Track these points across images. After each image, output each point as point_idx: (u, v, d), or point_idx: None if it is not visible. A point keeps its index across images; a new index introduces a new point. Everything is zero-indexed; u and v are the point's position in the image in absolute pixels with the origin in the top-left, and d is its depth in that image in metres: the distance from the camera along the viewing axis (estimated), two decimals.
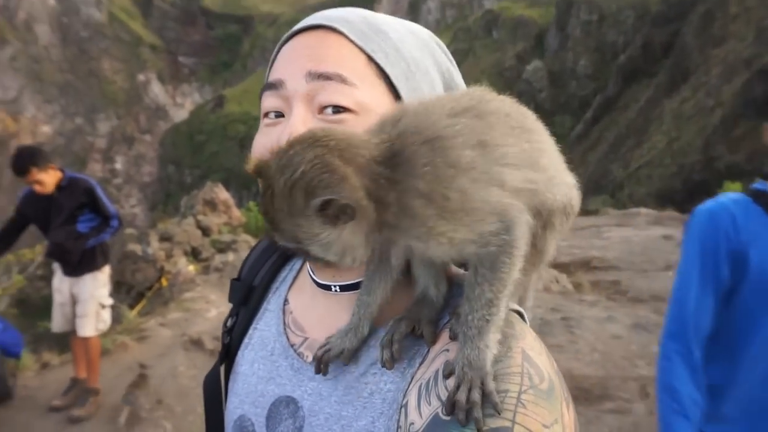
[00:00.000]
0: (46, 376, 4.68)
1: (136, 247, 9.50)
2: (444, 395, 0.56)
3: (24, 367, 4.65)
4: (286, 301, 0.81)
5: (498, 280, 0.57)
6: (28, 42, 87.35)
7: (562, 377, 0.60)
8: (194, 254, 9.95)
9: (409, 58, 0.69)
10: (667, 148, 31.30)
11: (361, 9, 0.74)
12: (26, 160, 3.76)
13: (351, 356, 0.67)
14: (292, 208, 0.53)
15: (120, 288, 8.01)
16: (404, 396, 0.62)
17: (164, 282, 8.38)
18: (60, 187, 3.90)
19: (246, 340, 0.83)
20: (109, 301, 4.25)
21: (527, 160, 0.60)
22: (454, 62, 0.77)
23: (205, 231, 11.33)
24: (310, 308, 0.77)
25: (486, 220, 0.56)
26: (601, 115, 44.46)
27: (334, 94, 0.64)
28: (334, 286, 0.73)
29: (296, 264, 0.85)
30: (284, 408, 0.71)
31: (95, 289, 4.04)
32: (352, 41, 0.67)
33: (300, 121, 0.64)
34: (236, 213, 13.13)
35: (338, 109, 0.64)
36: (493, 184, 0.56)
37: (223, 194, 13.07)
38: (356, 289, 0.71)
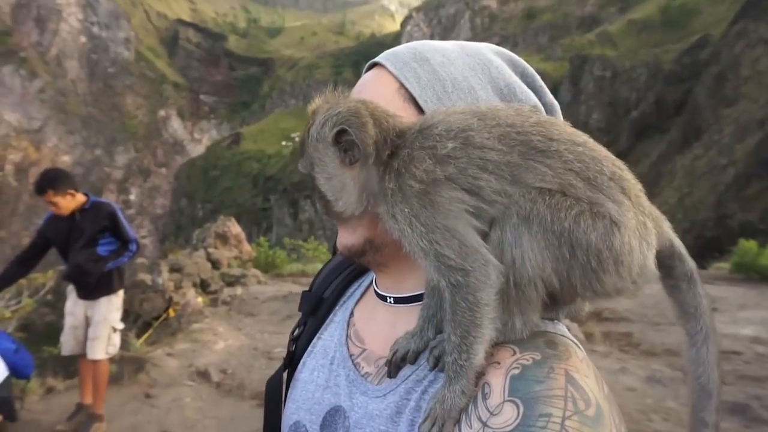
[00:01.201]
0: (50, 401, 4.64)
1: (145, 277, 9.53)
2: (486, 416, 0.55)
3: (29, 391, 4.61)
4: (351, 314, 0.84)
5: (459, 326, 0.57)
6: (57, 76, 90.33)
7: (615, 403, 0.57)
8: (203, 286, 9.95)
9: (447, 79, 0.72)
10: (679, 204, 31.22)
11: (429, 41, 0.79)
12: (46, 181, 3.87)
13: (416, 358, 0.68)
14: (319, 134, 0.65)
15: (127, 317, 8.01)
16: None
17: (172, 312, 8.37)
18: (83, 210, 3.98)
19: (310, 348, 0.86)
20: (121, 326, 4.26)
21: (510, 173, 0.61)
22: (534, 78, 0.79)
23: (215, 264, 11.36)
24: (371, 320, 0.80)
25: (444, 246, 0.57)
26: None
27: None
28: (389, 297, 0.76)
29: (365, 280, 0.88)
30: (338, 417, 0.73)
31: (109, 313, 4.06)
32: (390, 72, 0.74)
33: None
34: (247, 247, 13.18)
35: None
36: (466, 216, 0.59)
37: (235, 228, 13.17)
38: (411, 302, 0.73)
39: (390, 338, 0.73)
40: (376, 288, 0.79)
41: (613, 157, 0.65)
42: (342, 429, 0.71)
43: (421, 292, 0.72)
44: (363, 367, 0.75)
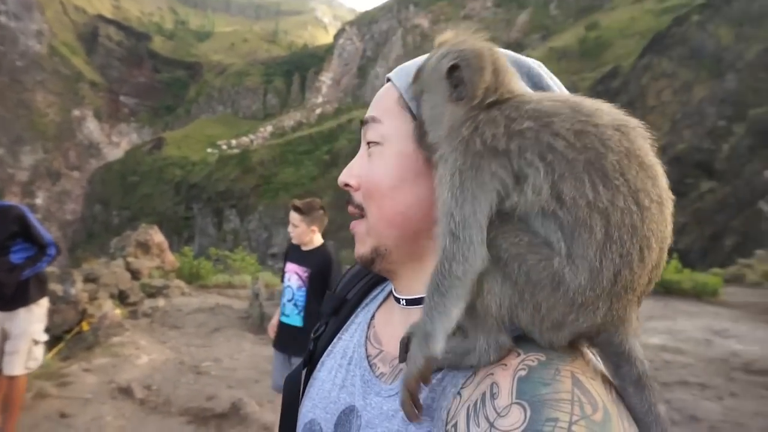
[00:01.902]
0: None
1: (56, 287, 8.84)
2: (493, 416, 0.54)
3: None
4: (372, 316, 0.85)
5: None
6: None
7: (623, 407, 0.57)
8: (121, 298, 9.38)
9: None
10: None
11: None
12: None
13: None
14: (437, 64, 0.66)
15: None
16: (449, 415, 0.62)
17: (86, 326, 7.81)
18: None
19: (329, 348, 0.87)
20: (44, 338, 3.87)
21: None
22: (541, 78, 0.78)
23: (135, 274, 10.77)
24: (388, 323, 0.81)
25: (458, 209, 0.58)
26: None
27: (368, 133, 0.76)
28: (402, 299, 0.77)
29: (388, 285, 0.88)
30: (352, 417, 0.73)
31: (29, 324, 3.67)
32: (394, 84, 0.76)
33: (359, 156, 0.78)
34: (170, 257, 12.60)
35: (371, 143, 0.75)
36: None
37: (158, 237, 12.56)
38: (418, 304, 0.74)
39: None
40: (393, 292, 0.82)
41: (663, 243, 0.60)
42: (355, 428, 0.72)
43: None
44: (378, 368, 0.76)
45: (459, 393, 0.62)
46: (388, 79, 0.80)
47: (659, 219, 0.57)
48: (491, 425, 0.54)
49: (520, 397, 0.54)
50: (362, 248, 0.76)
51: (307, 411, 0.82)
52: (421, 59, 0.77)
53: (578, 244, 0.56)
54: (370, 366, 0.77)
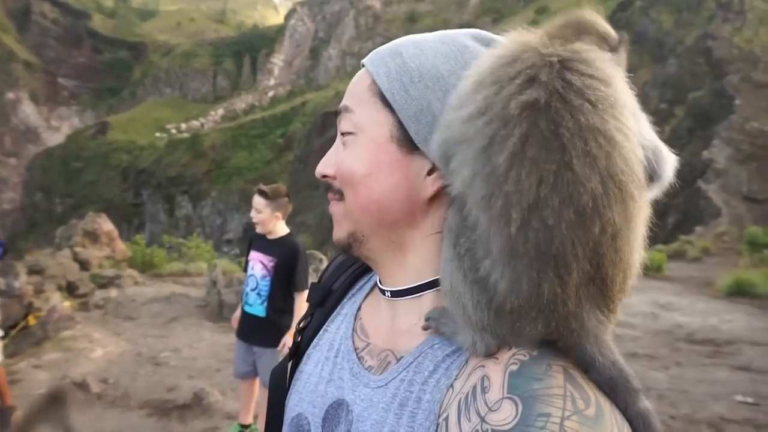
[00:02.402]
0: None
1: None
2: (484, 411, 0.53)
3: None
4: (359, 307, 0.83)
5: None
6: None
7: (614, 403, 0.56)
8: (70, 289, 9.01)
9: (415, 69, 0.71)
10: None
11: (414, 35, 0.78)
12: None
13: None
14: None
15: None
16: (441, 407, 0.61)
17: (32, 320, 7.47)
18: None
19: (315, 340, 0.84)
20: None
21: None
22: None
23: (84, 265, 10.35)
24: (375, 314, 0.79)
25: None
26: None
27: (341, 123, 0.75)
28: (387, 291, 0.75)
29: (375, 275, 0.85)
30: (340, 411, 0.72)
31: None
32: (367, 69, 0.74)
33: (335, 146, 0.77)
34: (121, 246, 12.16)
35: (345, 133, 0.74)
36: None
37: (107, 225, 12.08)
38: (405, 295, 0.72)
39: (390, 332, 0.74)
40: (378, 283, 0.79)
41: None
42: (344, 423, 0.70)
43: (414, 285, 0.72)
44: (366, 361, 0.74)
45: (452, 385, 0.61)
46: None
47: (580, 231, 0.50)
48: (482, 420, 0.53)
49: (512, 392, 0.53)
50: (339, 231, 0.75)
51: (293, 405, 0.80)
52: (397, 45, 0.75)
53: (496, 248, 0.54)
54: (359, 359, 0.75)
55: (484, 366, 0.58)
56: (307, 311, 0.91)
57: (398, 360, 0.70)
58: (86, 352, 5.37)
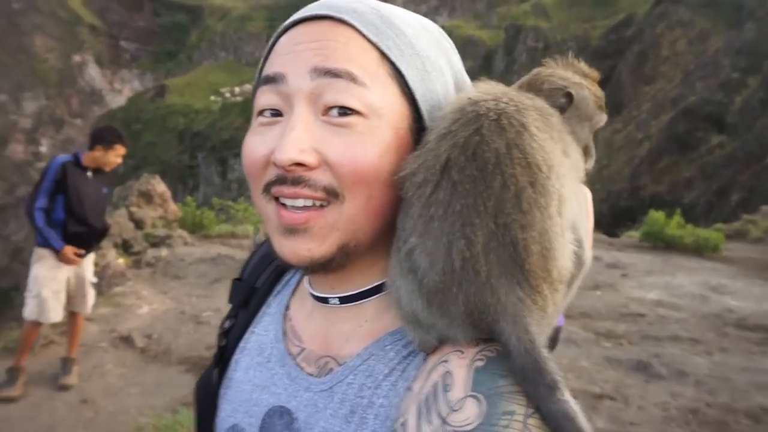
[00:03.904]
0: None
1: None
2: (446, 412, 0.50)
3: None
4: (287, 306, 0.76)
5: None
6: None
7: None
8: (125, 247, 9.50)
9: (424, 56, 0.63)
10: (598, 175, 33.08)
11: (386, 5, 0.66)
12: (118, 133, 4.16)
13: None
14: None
15: None
16: (399, 412, 0.56)
17: None
18: (98, 170, 4.06)
19: (242, 344, 0.77)
20: (94, 280, 4.45)
21: None
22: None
23: (138, 224, 10.86)
24: (308, 318, 0.71)
25: None
26: None
27: (342, 94, 0.58)
28: (332, 298, 0.67)
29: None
30: (278, 419, 0.66)
31: (90, 269, 4.33)
32: (363, 35, 0.60)
33: (302, 123, 0.58)
34: (173, 207, 12.65)
35: (345, 110, 0.58)
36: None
37: (160, 187, 12.56)
38: (355, 300, 0.66)
39: (329, 337, 0.68)
40: (310, 289, 0.70)
41: None
42: (286, 431, 0.65)
43: (367, 288, 0.66)
44: (304, 368, 0.68)
45: (410, 387, 0.57)
46: (324, 17, 0.61)
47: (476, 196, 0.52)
48: (444, 421, 0.49)
49: (476, 389, 0.50)
50: (322, 247, 0.60)
51: (226, 416, 0.73)
52: (388, 15, 0.63)
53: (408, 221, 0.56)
54: (296, 365, 0.68)
55: (447, 361, 0.55)
56: (230, 312, 0.82)
57: (341, 366, 0.64)
58: (134, 308, 5.69)
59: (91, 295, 4.30)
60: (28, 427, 3.59)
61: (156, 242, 10.07)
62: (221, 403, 0.75)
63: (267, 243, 0.81)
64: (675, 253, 10.47)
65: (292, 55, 0.60)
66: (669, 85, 35.34)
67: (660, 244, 11.05)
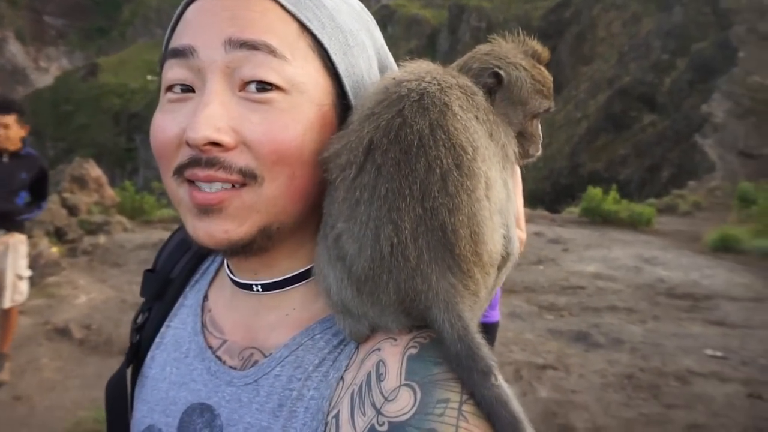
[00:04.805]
0: None
1: None
2: (380, 402, 0.48)
3: None
4: (205, 297, 0.71)
5: None
6: None
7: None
8: (58, 235, 9.02)
9: (346, 29, 0.60)
10: (541, 153, 34.06)
11: None
12: (13, 103, 3.88)
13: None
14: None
15: None
16: (331, 404, 0.55)
17: None
18: (16, 154, 3.83)
19: (158, 339, 0.72)
20: (27, 273, 4.20)
21: None
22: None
23: (72, 210, 10.33)
24: (230, 308, 0.67)
25: None
26: None
27: (261, 68, 0.54)
28: (256, 285, 0.63)
29: (219, 256, 0.74)
30: (198, 416, 0.62)
31: (15, 261, 4.02)
32: (281, 5, 0.56)
33: (216, 99, 0.53)
34: (109, 192, 12.10)
35: (264, 86, 0.54)
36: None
37: (95, 171, 11.97)
38: (282, 287, 0.63)
39: (254, 327, 0.64)
40: (231, 275, 0.66)
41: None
42: (207, 429, 0.61)
43: (293, 273, 0.62)
44: (226, 361, 0.64)
45: (342, 378, 0.56)
46: None
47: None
48: (378, 412, 0.48)
49: (410, 378, 0.49)
50: (241, 228, 0.56)
51: (142, 416, 0.68)
52: None
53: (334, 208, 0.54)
54: (216, 358, 0.65)
55: (379, 350, 0.53)
56: (142, 305, 0.77)
57: (267, 357, 0.61)
58: (70, 299, 5.43)
59: (18, 288, 4.04)
60: None
61: (92, 229, 9.61)
62: (136, 403, 0.71)
63: (181, 230, 0.77)
64: (612, 227, 10.99)
65: (204, 25, 0.55)
66: (605, 65, 36.66)
67: (598, 219, 11.56)
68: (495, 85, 0.60)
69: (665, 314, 5.91)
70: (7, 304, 3.97)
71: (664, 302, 6.40)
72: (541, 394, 3.93)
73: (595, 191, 11.93)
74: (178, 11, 0.61)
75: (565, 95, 37.36)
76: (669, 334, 5.19)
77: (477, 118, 0.54)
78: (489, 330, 2.50)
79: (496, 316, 2.67)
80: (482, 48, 0.66)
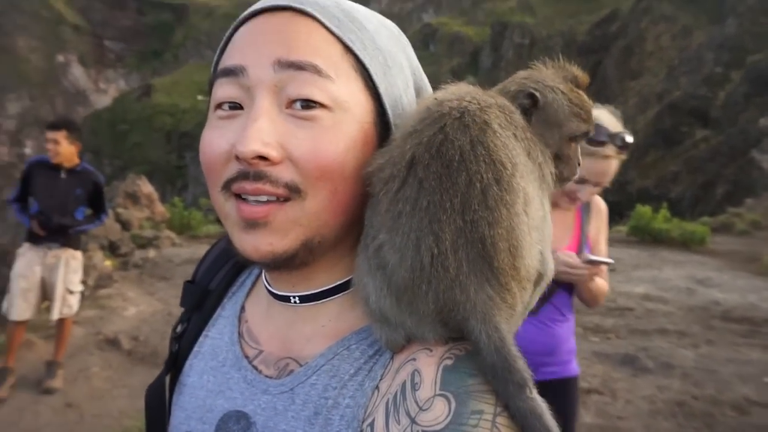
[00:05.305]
0: None
1: None
2: (415, 411, 0.49)
3: None
4: (242, 308, 0.74)
5: None
6: None
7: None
8: (112, 249, 9.41)
9: (385, 51, 0.63)
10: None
11: (346, 1, 0.65)
12: (65, 120, 4.13)
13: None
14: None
15: None
16: (366, 412, 0.56)
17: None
18: (73, 171, 4.07)
19: (196, 348, 0.74)
20: (79, 288, 4.34)
21: None
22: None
23: (125, 225, 10.78)
24: (266, 319, 0.69)
25: None
26: None
27: (306, 87, 0.56)
28: (294, 297, 0.65)
29: (256, 269, 0.77)
30: (234, 424, 0.64)
31: (66, 275, 4.19)
32: (326, 27, 0.59)
33: (264, 115, 0.56)
34: (160, 208, 12.57)
35: (309, 103, 0.56)
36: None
37: (146, 187, 12.48)
38: (319, 299, 0.64)
39: (290, 338, 0.65)
40: (269, 287, 0.68)
41: None
42: None
43: (330, 286, 0.64)
44: (262, 371, 0.66)
45: (377, 387, 0.57)
46: (285, 8, 0.59)
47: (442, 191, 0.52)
48: (412, 421, 0.49)
49: (445, 389, 0.50)
50: (285, 241, 0.58)
51: (179, 423, 0.70)
52: (350, 8, 0.63)
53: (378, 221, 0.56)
54: (253, 368, 0.66)
55: (415, 360, 0.54)
56: (182, 315, 0.79)
57: (303, 366, 0.63)
58: (120, 310, 5.63)
59: (67, 302, 4.17)
60: (11, 431, 3.54)
61: (143, 243, 9.99)
62: (174, 410, 0.73)
63: (220, 244, 0.81)
64: (662, 246, 10.57)
65: (254, 46, 0.58)
66: (654, 79, 35.64)
67: (647, 238, 11.15)
68: (530, 106, 0.61)
69: (720, 339, 5.60)
70: (56, 315, 4.14)
71: (718, 326, 6.07)
72: (585, 419, 3.78)
73: (644, 209, 11.53)
74: (228, 33, 0.64)
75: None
76: (724, 360, 4.91)
77: (515, 136, 0.56)
78: (568, 386, 2.04)
79: (575, 369, 2.09)
80: (521, 73, 0.67)
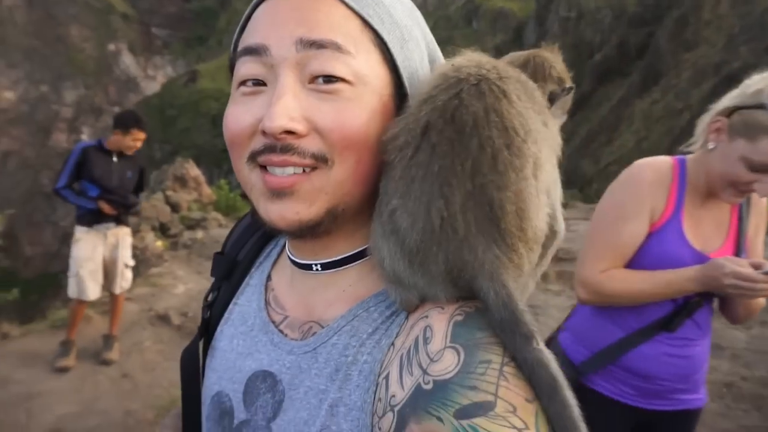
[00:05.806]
0: (5, 346, 4.57)
1: None
2: (426, 362, 0.52)
3: None
4: (269, 277, 0.77)
5: None
6: None
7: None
8: (162, 230, 9.80)
9: (402, 25, 0.64)
10: (636, 147, 32.07)
11: None
12: (138, 118, 4.32)
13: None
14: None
15: None
16: (382, 366, 0.59)
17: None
18: (123, 155, 4.31)
19: (226, 315, 0.79)
20: (132, 263, 4.65)
21: None
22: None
23: (174, 207, 11.17)
24: (290, 287, 0.73)
25: None
26: (575, 111, 45.06)
27: (328, 63, 0.58)
28: (315, 264, 0.68)
29: (282, 240, 0.80)
30: (261, 382, 0.68)
31: (123, 251, 4.51)
32: (345, 3, 0.60)
33: (289, 92, 0.57)
34: (207, 190, 12.95)
35: (331, 78, 0.58)
36: None
37: (194, 171, 12.85)
38: (339, 266, 0.67)
39: (312, 303, 0.69)
40: (292, 257, 0.71)
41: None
42: (269, 394, 0.67)
43: (350, 253, 0.67)
44: (288, 334, 0.69)
45: (393, 344, 0.60)
46: None
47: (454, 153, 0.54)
48: (424, 372, 0.51)
49: (455, 341, 0.52)
50: (311, 209, 0.60)
51: (212, 384, 0.75)
52: None
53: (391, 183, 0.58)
54: (279, 332, 0.70)
55: (427, 317, 0.57)
56: (213, 284, 0.84)
57: (325, 328, 0.66)
58: (170, 288, 5.89)
59: (125, 276, 4.49)
60: (74, 398, 3.80)
61: (191, 225, 10.35)
62: (207, 372, 0.78)
63: (247, 217, 0.85)
64: None
65: (275, 25, 0.60)
66: (711, 50, 33.74)
67: None
68: (563, 96, 0.65)
69: None
70: (117, 290, 4.44)
71: None
72: None
73: None
74: (247, 11, 0.66)
75: (663, 85, 34.89)
76: None
77: (533, 109, 0.57)
78: (692, 419, 1.74)
79: (703, 399, 1.74)
80: (542, 53, 0.70)
